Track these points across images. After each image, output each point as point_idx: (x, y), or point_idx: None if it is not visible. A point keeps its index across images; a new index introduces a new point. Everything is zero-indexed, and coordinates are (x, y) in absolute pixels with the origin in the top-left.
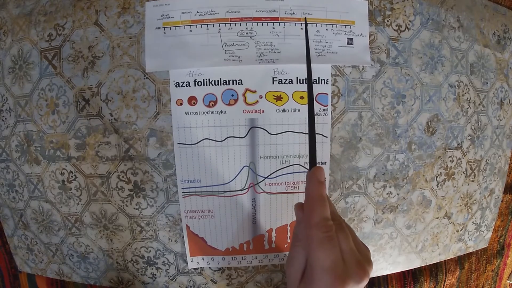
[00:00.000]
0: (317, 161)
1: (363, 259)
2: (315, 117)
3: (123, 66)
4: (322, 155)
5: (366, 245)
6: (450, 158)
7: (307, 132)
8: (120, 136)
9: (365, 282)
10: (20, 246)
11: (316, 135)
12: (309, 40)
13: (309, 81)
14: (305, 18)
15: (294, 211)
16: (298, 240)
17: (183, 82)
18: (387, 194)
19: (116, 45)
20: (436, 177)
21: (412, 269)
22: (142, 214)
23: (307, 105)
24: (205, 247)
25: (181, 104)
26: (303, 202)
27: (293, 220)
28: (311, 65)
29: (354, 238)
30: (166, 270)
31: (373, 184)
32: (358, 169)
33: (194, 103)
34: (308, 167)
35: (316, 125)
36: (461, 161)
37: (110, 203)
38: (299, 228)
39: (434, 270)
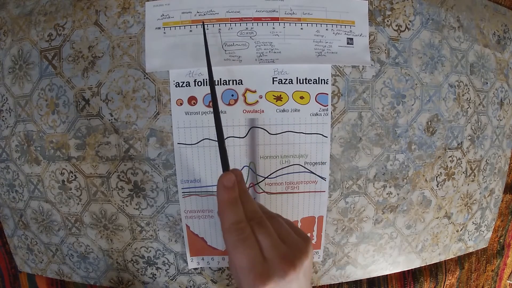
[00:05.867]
0: (317, 161)
1: (290, 251)
2: (315, 117)
3: (123, 66)
4: (322, 155)
5: (304, 234)
6: (450, 158)
7: (312, 131)
8: (120, 136)
9: (293, 275)
10: (20, 246)
11: (225, 140)
12: (207, 40)
13: (210, 76)
14: (203, 22)
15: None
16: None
17: (183, 82)
18: (387, 194)
19: (116, 45)
20: (436, 177)
21: (412, 269)
22: (142, 214)
23: (214, 117)
24: (205, 247)
25: (181, 104)
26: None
27: (292, 220)
28: (211, 65)
29: (284, 230)
30: (166, 270)
31: (373, 184)
32: (358, 169)
33: (194, 103)
34: (307, 168)
35: (224, 133)
36: (461, 161)
37: (110, 203)
38: None
39: (434, 270)
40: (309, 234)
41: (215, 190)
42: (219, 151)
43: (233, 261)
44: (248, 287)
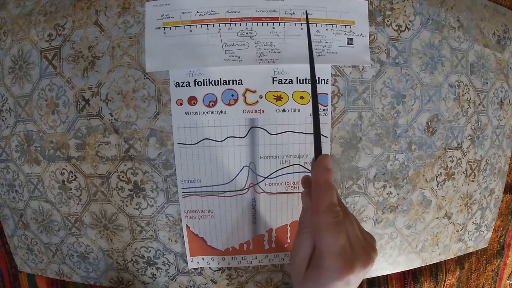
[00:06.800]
0: None
1: (368, 245)
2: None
3: (123, 66)
4: None
5: (368, 233)
6: (450, 158)
7: (312, 130)
8: (120, 136)
9: (370, 267)
10: (20, 246)
11: (320, 125)
12: (311, 35)
13: (312, 66)
14: (306, 11)
15: (301, 199)
16: (304, 228)
17: (183, 82)
18: (387, 194)
19: (116, 45)
20: (436, 177)
21: (412, 269)
22: (142, 214)
23: (310, 102)
24: (205, 247)
25: (181, 104)
26: (309, 190)
27: (293, 220)
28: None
29: (359, 226)
30: (166, 270)
31: (373, 184)
32: (358, 169)
33: (194, 103)
34: (307, 168)
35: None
36: (461, 161)
37: (110, 203)
38: (306, 215)
39: (434, 270)
40: None
41: (215, 190)
42: (313, 133)
43: (321, 244)
44: (333, 272)
